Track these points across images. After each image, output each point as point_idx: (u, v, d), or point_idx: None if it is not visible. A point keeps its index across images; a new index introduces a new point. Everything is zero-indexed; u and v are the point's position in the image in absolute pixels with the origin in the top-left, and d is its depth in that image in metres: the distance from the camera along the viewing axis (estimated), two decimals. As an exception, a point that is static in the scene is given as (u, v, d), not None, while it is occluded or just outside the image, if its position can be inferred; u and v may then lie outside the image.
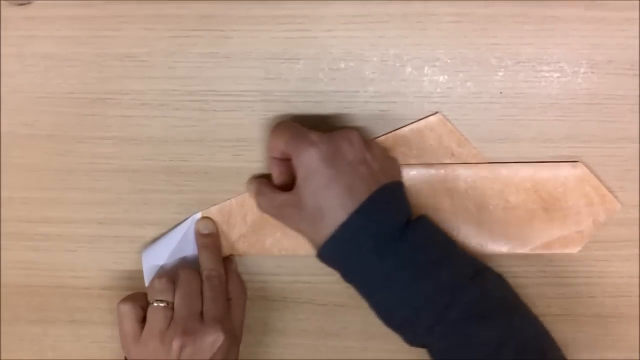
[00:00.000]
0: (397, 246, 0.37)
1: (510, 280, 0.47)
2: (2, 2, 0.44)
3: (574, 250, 0.46)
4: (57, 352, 0.50)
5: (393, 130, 0.45)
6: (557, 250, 0.46)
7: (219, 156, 0.46)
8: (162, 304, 0.42)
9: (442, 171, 0.45)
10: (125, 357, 0.43)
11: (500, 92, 0.44)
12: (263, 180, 0.44)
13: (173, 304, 0.42)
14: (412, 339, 0.40)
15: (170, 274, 0.44)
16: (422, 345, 0.40)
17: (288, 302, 0.48)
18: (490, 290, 0.39)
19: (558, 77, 0.44)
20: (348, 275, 0.40)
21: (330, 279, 0.47)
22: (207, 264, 0.45)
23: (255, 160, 0.46)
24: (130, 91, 0.45)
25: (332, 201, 0.37)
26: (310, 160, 0.38)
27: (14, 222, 0.48)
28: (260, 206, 0.43)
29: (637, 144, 0.45)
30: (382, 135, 0.45)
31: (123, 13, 0.44)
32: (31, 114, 0.46)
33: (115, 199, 0.47)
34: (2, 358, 0.50)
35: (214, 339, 0.40)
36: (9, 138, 0.47)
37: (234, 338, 0.43)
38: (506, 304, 0.39)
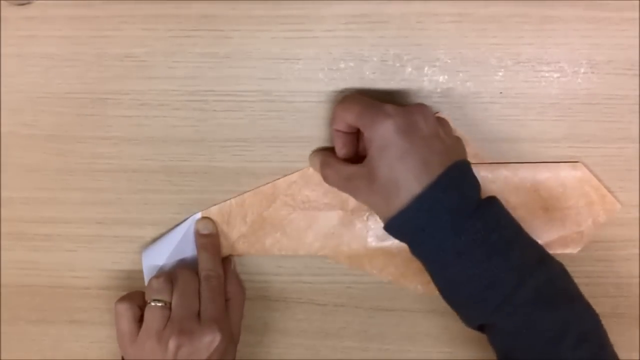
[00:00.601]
0: (471, 223, 0.37)
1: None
2: (2, 2, 0.44)
3: (574, 250, 0.46)
4: (57, 352, 0.50)
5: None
6: (557, 251, 0.46)
7: (219, 156, 0.46)
8: (160, 304, 0.42)
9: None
10: (122, 357, 0.43)
11: (500, 92, 0.44)
12: (327, 152, 0.44)
13: (170, 303, 0.42)
14: (474, 319, 0.39)
15: (168, 274, 0.44)
16: (480, 328, 0.39)
17: (288, 302, 0.48)
18: (555, 277, 0.39)
19: (558, 77, 0.44)
20: (417, 248, 0.39)
21: (330, 279, 0.47)
22: (206, 264, 0.45)
23: (256, 160, 0.46)
24: (130, 91, 0.45)
25: (407, 173, 0.37)
26: (386, 132, 0.37)
27: (14, 222, 0.48)
28: (326, 178, 0.42)
29: (637, 144, 0.45)
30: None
31: (123, 13, 0.44)
32: (31, 114, 0.46)
33: (115, 199, 0.47)
34: (2, 358, 0.50)
35: (210, 340, 0.40)
36: (9, 138, 0.47)
37: (231, 338, 0.43)
38: (569, 293, 0.39)
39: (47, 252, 0.49)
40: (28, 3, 0.44)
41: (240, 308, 0.46)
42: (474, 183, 0.39)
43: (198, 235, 0.46)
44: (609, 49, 0.44)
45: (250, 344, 0.49)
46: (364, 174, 0.39)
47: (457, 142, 0.40)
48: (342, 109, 0.41)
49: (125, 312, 0.42)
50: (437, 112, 0.45)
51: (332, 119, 0.42)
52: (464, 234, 0.37)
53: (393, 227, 0.38)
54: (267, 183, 0.46)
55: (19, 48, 0.45)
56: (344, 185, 0.41)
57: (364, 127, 0.39)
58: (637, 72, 0.44)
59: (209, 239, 0.46)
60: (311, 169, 0.45)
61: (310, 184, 0.46)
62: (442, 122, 0.40)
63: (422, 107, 0.39)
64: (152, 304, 0.42)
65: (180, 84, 0.45)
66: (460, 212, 0.37)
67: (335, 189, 0.45)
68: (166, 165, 0.46)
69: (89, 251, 0.48)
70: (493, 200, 0.39)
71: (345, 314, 0.48)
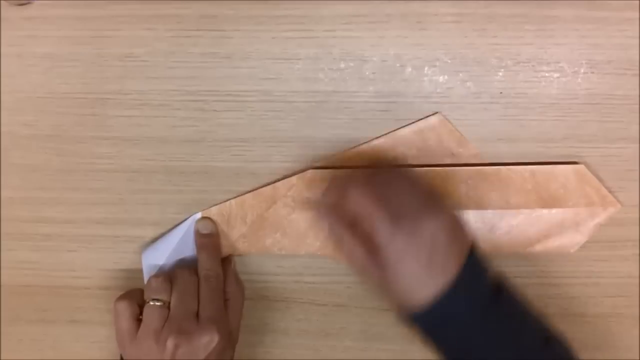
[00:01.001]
0: (484, 324, 0.37)
1: (511, 280, 0.47)
2: (2, 2, 0.44)
3: (571, 249, 0.46)
4: (57, 352, 0.50)
5: (393, 130, 0.45)
6: (556, 251, 0.46)
7: (219, 156, 0.46)
8: (158, 303, 0.42)
9: (442, 172, 0.45)
10: (120, 356, 0.43)
11: (500, 92, 0.44)
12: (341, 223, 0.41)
13: (169, 303, 0.42)
14: None
15: (167, 274, 0.44)
16: None
17: (288, 303, 0.48)
18: (559, 356, 0.40)
19: (558, 77, 0.44)
20: (428, 340, 0.39)
21: (330, 279, 0.47)
22: (205, 264, 0.45)
23: (256, 160, 0.46)
24: (130, 91, 0.45)
25: (419, 274, 0.37)
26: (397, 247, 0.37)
27: (14, 222, 0.48)
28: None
29: (637, 144, 0.45)
30: (382, 135, 0.45)
31: (123, 13, 0.44)
32: (31, 114, 0.46)
33: (115, 199, 0.47)
34: (2, 358, 0.50)
35: (208, 340, 0.40)
36: (9, 138, 0.47)
37: (229, 339, 0.43)
38: None
39: (47, 252, 0.49)
40: (28, 3, 0.44)
41: (239, 308, 0.46)
42: (484, 275, 0.39)
43: (198, 235, 0.46)
44: (609, 49, 0.44)
45: (250, 344, 0.49)
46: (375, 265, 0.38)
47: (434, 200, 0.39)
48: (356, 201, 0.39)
49: (125, 310, 0.42)
50: (436, 112, 0.45)
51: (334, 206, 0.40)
52: (477, 335, 0.38)
53: (405, 320, 0.39)
54: (268, 184, 0.46)
55: (19, 48, 0.45)
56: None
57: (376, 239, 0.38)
58: (637, 72, 0.44)
59: (209, 238, 0.46)
60: (311, 171, 0.46)
61: (310, 186, 0.46)
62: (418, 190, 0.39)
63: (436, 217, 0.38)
64: (151, 303, 0.42)
65: (180, 84, 0.45)
66: (474, 316, 0.37)
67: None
68: (166, 165, 0.46)
69: (89, 251, 0.48)
70: (501, 291, 0.39)
71: (345, 314, 0.48)
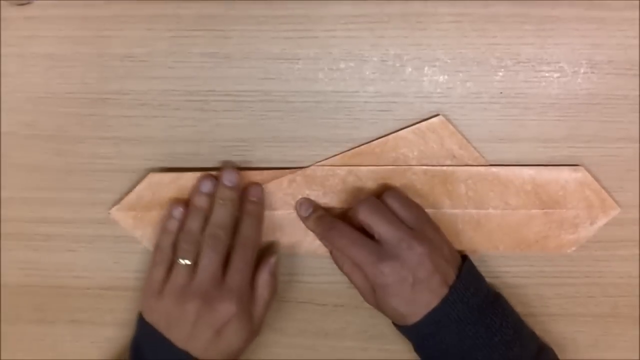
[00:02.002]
0: (475, 329, 0.40)
1: (510, 280, 0.47)
2: (2, 2, 0.44)
3: (568, 250, 0.46)
4: (57, 352, 0.50)
5: (395, 132, 0.45)
6: (553, 252, 0.46)
7: (219, 156, 0.46)
8: (187, 262, 0.42)
9: (442, 173, 0.45)
10: (139, 312, 0.43)
11: (500, 92, 0.44)
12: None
13: (197, 264, 0.41)
14: None
15: (199, 230, 0.43)
16: None
17: (288, 302, 0.48)
18: None
19: (558, 77, 0.44)
20: (424, 350, 0.42)
21: (330, 279, 0.47)
22: (245, 231, 0.43)
23: (255, 160, 0.46)
24: (130, 91, 0.45)
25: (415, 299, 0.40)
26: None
27: (14, 222, 0.48)
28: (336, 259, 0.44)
29: (637, 144, 0.45)
30: (383, 136, 0.45)
31: (123, 13, 0.44)
32: (31, 114, 0.46)
33: (115, 199, 0.47)
34: (2, 358, 0.50)
35: (227, 308, 0.40)
36: (9, 138, 0.47)
37: (248, 320, 0.42)
38: None
39: (47, 252, 0.49)
40: (28, 3, 0.44)
41: (265, 301, 0.44)
42: (477, 286, 0.41)
43: (247, 200, 0.45)
44: (609, 49, 0.44)
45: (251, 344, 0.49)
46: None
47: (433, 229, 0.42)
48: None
49: (162, 261, 0.43)
50: (437, 114, 0.45)
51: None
52: (468, 339, 0.40)
53: (404, 331, 0.42)
54: (269, 182, 0.46)
55: (19, 48, 0.45)
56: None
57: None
58: (637, 72, 0.44)
59: (257, 206, 0.45)
60: (310, 169, 0.46)
61: (310, 184, 0.46)
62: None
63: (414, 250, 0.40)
64: (181, 261, 0.42)
65: (180, 84, 0.45)
66: (466, 321, 0.40)
67: (335, 190, 0.45)
68: (166, 166, 0.46)
69: (89, 251, 0.48)
70: (496, 301, 0.42)
71: (345, 314, 0.48)
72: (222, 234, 0.42)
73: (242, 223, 0.44)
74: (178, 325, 0.41)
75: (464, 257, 0.43)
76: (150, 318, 0.42)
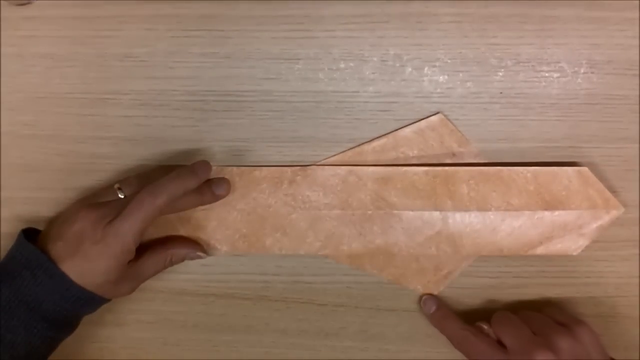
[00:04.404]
0: None
1: (510, 281, 0.47)
2: (2, 2, 0.44)
3: (574, 252, 0.46)
4: (57, 352, 0.50)
5: (394, 130, 0.45)
6: (558, 253, 0.46)
7: (219, 156, 0.46)
8: (120, 195, 0.42)
9: (444, 173, 0.45)
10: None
11: (500, 92, 0.44)
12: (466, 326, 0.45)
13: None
14: None
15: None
16: None
17: (288, 302, 0.48)
18: None
19: (558, 77, 0.44)
20: None
21: (330, 279, 0.47)
22: (165, 186, 0.41)
23: (255, 160, 0.46)
24: (130, 91, 0.45)
25: None
26: None
27: (14, 222, 0.48)
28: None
29: (637, 144, 0.45)
30: (383, 135, 0.45)
31: (123, 13, 0.44)
32: (31, 114, 0.46)
33: (115, 199, 0.47)
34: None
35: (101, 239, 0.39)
36: (9, 138, 0.47)
37: (121, 245, 0.40)
38: None
39: (47, 252, 0.48)
40: (28, 3, 0.44)
41: (150, 261, 0.44)
42: None
43: (209, 183, 0.44)
44: (609, 49, 0.44)
45: (251, 344, 0.49)
46: None
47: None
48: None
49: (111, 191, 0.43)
50: (437, 112, 0.45)
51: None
52: None
53: None
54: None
55: (19, 48, 0.45)
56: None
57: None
58: (637, 72, 0.44)
59: (205, 194, 0.44)
60: (311, 168, 0.46)
61: (310, 184, 0.46)
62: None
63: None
64: (117, 189, 0.42)
65: (180, 84, 0.45)
66: None
67: (335, 190, 0.45)
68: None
69: (89, 251, 0.48)
70: None
71: (345, 314, 0.48)
72: (165, 197, 0.40)
73: (169, 180, 0.41)
74: (61, 225, 0.41)
75: None
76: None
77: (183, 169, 0.42)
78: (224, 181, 0.45)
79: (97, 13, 0.44)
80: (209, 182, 0.44)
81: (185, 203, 0.43)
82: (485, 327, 0.44)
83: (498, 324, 0.43)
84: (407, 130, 0.45)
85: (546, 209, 0.45)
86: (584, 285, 0.47)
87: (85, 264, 0.40)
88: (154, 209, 0.40)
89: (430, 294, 0.47)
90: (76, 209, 0.41)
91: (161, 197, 0.40)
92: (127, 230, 0.40)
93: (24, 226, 0.43)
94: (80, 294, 0.40)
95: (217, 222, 0.46)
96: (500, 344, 0.42)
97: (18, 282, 0.39)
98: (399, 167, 0.45)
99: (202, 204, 0.45)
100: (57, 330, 0.41)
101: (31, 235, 0.42)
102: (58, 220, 0.42)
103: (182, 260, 0.45)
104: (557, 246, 0.46)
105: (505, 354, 0.41)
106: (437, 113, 0.45)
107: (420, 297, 0.47)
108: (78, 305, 0.41)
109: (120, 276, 0.41)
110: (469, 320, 0.45)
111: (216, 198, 0.45)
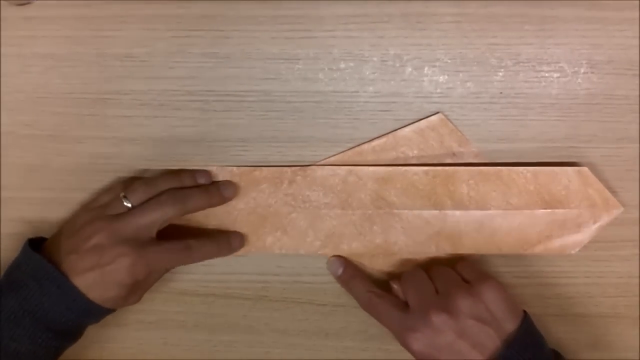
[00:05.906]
0: None
1: (510, 281, 0.47)
2: (2, 2, 0.44)
3: (572, 251, 0.46)
4: (57, 352, 0.50)
5: (394, 130, 0.45)
6: (557, 252, 0.46)
7: (219, 156, 0.46)
8: (128, 204, 0.42)
9: (444, 173, 0.45)
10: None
11: (500, 92, 0.44)
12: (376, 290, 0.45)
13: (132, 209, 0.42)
14: None
15: (158, 187, 0.43)
16: None
17: (288, 302, 0.48)
18: None
19: (558, 77, 0.44)
20: None
21: (330, 279, 0.47)
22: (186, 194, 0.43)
23: (255, 160, 0.46)
24: (130, 91, 0.45)
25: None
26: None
27: (14, 222, 0.48)
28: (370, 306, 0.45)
29: (637, 144, 0.45)
30: (383, 135, 0.45)
31: (123, 13, 0.44)
32: (31, 114, 0.46)
33: (115, 199, 0.47)
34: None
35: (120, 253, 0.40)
36: (9, 138, 0.47)
37: (137, 252, 0.40)
38: None
39: (47, 252, 0.48)
40: (28, 3, 0.44)
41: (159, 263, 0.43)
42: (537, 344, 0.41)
43: (216, 184, 0.45)
44: (609, 49, 0.44)
45: (251, 344, 0.49)
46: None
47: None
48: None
49: (114, 193, 0.43)
50: (437, 112, 0.45)
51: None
52: None
53: None
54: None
55: (19, 48, 0.45)
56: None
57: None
58: (637, 72, 0.44)
59: (212, 194, 0.45)
60: (311, 168, 0.46)
61: (310, 184, 0.46)
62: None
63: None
64: (123, 198, 0.42)
65: (180, 84, 0.45)
66: None
67: (335, 190, 0.45)
68: (166, 166, 0.46)
69: (89, 251, 0.48)
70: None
71: (345, 314, 0.48)
72: (176, 202, 0.42)
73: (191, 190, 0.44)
74: (73, 237, 0.41)
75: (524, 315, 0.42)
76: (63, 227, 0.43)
77: (212, 187, 0.44)
78: (231, 183, 0.45)
79: (97, 13, 0.44)
80: (217, 185, 0.45)
81: (193, 206, 0.43)
82: (395, 286, 0.44)
83: (405, 282, 0.43)
84: (407, 130, 0.45)
85: (545, 209, 0.45)
86: (584, 285, 0.47)
87: (100, 278, 0.40)
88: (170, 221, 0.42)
89: (338, 255, 0.47)
90: (88, 220, 0.41)
91: (182, 212, 0.42)
92: (152, 253, 0.41)
93: (24, 226, 0.43)
94: (87, 305, 0.40)
95: (217, 222, 0.46)
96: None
97: (24, 292, 0.39)
98: (399, 167, 0.45)
99: (210, 207, 0.45)
100: (62, 339, 0.42)
101: (36, 244, 0.42)
102: (67, 231, 0.42)
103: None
104: (556, 245, 0.46)
105: (406, 314, 0.41)
106: (437, 113, 0.45)
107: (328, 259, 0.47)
108: (84, 316, 0.41)
109: (132, 290, 0.42)
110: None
111: (224, 200, 0.45)
